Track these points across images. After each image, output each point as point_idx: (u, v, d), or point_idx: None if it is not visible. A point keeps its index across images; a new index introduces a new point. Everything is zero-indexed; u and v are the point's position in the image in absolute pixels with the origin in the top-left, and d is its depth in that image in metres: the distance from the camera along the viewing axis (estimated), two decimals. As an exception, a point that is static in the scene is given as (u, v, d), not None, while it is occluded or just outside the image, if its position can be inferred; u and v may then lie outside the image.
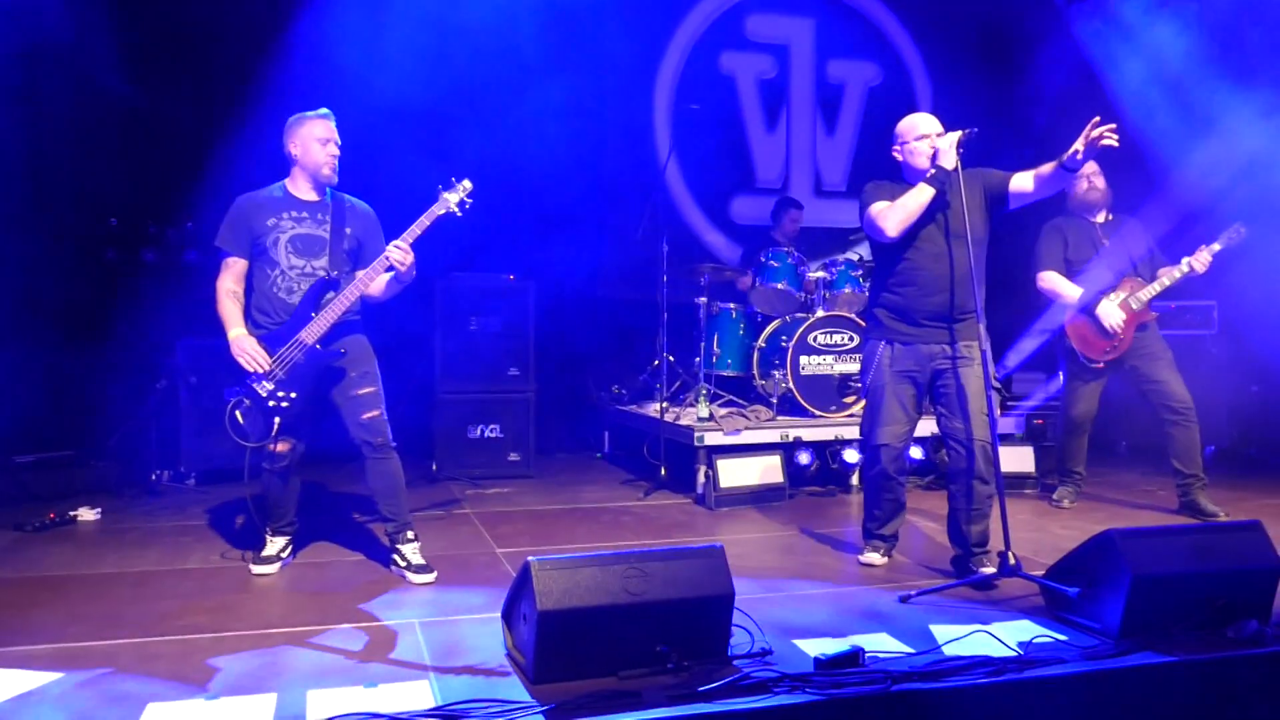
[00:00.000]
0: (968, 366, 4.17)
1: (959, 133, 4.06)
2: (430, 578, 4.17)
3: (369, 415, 4.25)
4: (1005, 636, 3.30)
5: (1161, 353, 5.48)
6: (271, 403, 4.11)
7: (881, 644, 3.27)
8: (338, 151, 4.26)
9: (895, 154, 4.34)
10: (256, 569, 4.30)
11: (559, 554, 3.05)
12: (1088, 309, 5.46)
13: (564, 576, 2.92)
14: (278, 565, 4.35)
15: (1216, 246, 5.32)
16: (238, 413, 4.15)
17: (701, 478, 5.80)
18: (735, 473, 5.76)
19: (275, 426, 4.14)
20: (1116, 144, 3.83)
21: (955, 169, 4.06)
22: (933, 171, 4.09)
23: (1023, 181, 4.16)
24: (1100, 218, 5.60)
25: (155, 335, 6.40)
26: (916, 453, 6.18)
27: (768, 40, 8.26)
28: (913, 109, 4.11)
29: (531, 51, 7.19)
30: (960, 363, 4.18)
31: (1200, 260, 5.31)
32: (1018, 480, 6.11)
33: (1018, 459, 6.20)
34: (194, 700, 2.85)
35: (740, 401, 6.54)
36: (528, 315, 6.79)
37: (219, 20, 6.59)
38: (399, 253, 4.09)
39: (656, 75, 7.96)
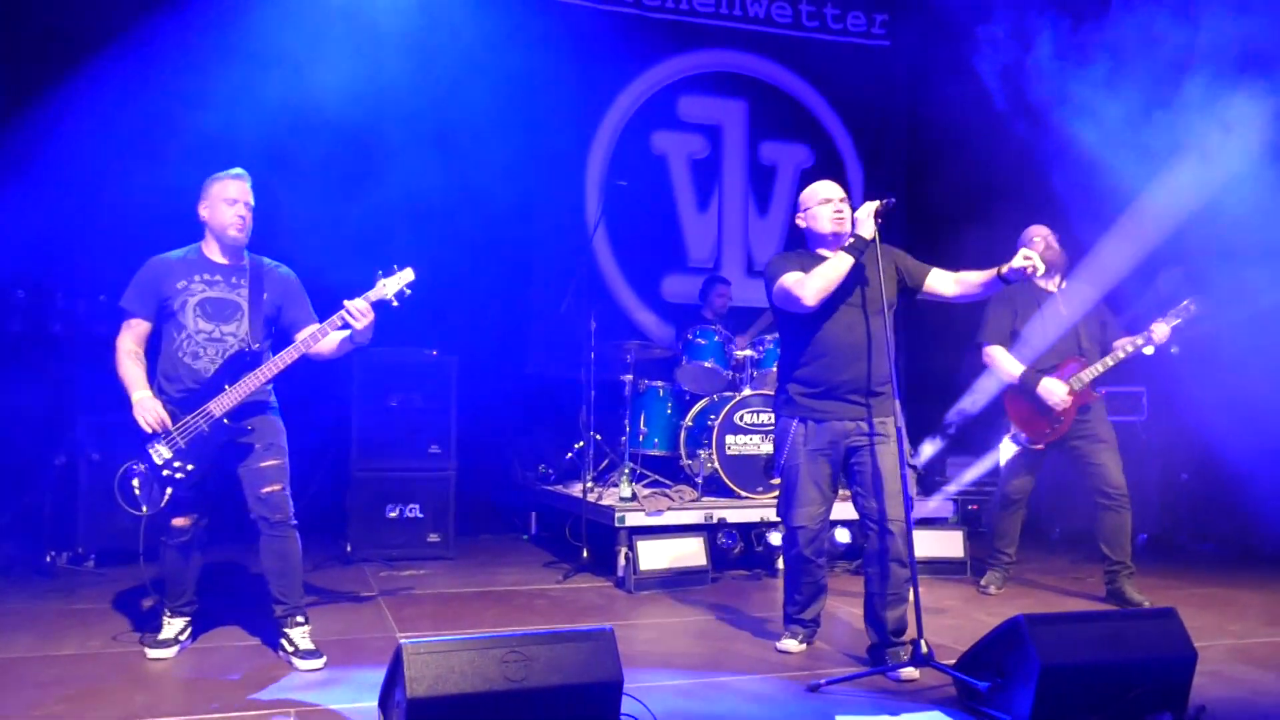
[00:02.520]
0: (883, 444, 4.06)
1: (877, 202, 4.00)
2: (317, 664, 3.93)
3: (269, 489, 4.05)
4: (912, 727, 3.14)
5: (1105, 435, 5.34)
6: (166, 471, 3.92)
7: (784, 736, 3.10)
8: (246, 212, 4.11)
9: (799, 221, 4.30)
10: (152, 653, 4.04)
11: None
12: (1027, 389, 5.34)
13: (437, 661, 2.73)
14: (175, 649, 4.09)
15: (1175, 321, 5.16)
16: (131, 479, 3.94)
17: (622, 560, 5.61)
18: (656, 554, 5.58)
19: (167, 496, 3.93)
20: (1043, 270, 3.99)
21: (873, 239, 4.00)
22: (851, 240, 4.02)
23: (941, 283, 4.18)
24: (1052, 284, 5.47)
25: (58, 410, 6.14)
26: (844, 536, 6.04)
27: (699, 121, 8.29)
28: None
29: (459, 125, 7.16)
30: (875, 440, 4.07)
31: (1160, 333, 5.15)
32: (946, 565, 5.99)
33: (947, 544, 6.07)
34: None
35: (666, 481, 6.39)
36: (450, 391, 6.61)
37: (135, 84, 6.44)
38: (358, 310, 3.92)
39: (588, 153, 7.94)
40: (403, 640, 2.76)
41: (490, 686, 2.74)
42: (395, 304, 4.05)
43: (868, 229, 4.00)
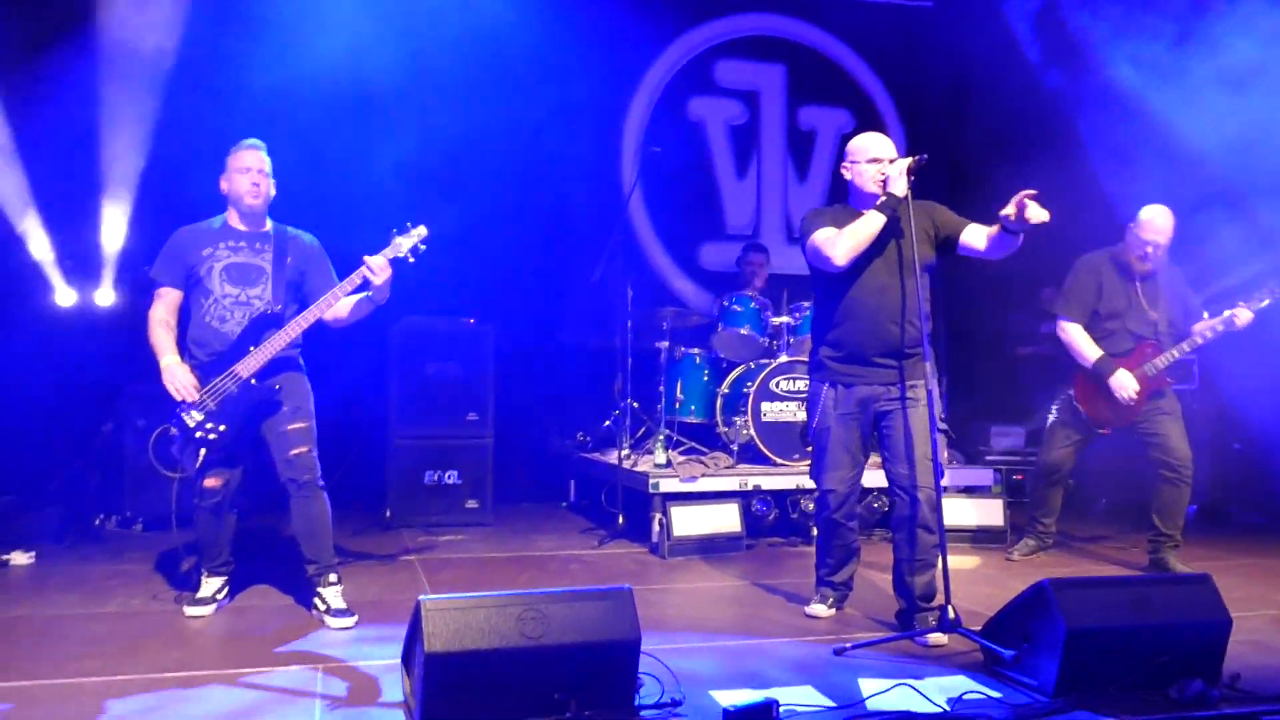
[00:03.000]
0: (913, 408, 4.00)
1: (910, 159, 3.92)
2: (349, 622, 3.99)
3: (297, 451, 4.12)
4: (935, 692, 3.11)
5: (1170, 408, 5.17)
6: (199, 433, 3.99)
7: (804, 698, 3.08)
8: (260, 179, 4.16)
9: (844, 171, 4.17)
10: (190, 611, 4.15)
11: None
12: (1101, 375, 5.15)
13: (455, 617, 2.76)
14: (212, 607, 4.19)
15: (1262, 304, 4.97)
16: (165, 443, 4.06)
17: (656, 526, 5.62)
18: (690, 521, 5.59)
19: (200, 457, 4.02)
20: (1046, 218, 3.66)
21: (905, 197, 3.93)
22: (883, 198, 3.95)
23: (976, 237, 4.01)
24: (1145, 267, 5.15)
25: (106, 379, 6.28)
26: (880, 504, 6.00)
27: (737, 86, 8.21)
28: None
29: (495, 91, 7.15)
30: (906, 404, 4.01)
31: (1242, 318, 4.97)
32: (985, 534, 5.93)
33: (987, 512, 6.01)
34: (56, 746, 2.67)
35: (701, 448, 6.37)
36: (487, 359, 6.65)
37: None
38: (377, 265, 3.97)
39: (624, 120, 7.90)
40: (423, 598, 2.79)
41: (507, 643, 2.76)
42: (411, 260, 4.09)
43: (900, 187, 3.92)
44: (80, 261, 6.56)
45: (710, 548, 5.57)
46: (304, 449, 4.14)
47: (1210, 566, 5.31)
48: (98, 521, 6.01)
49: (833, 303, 4.11)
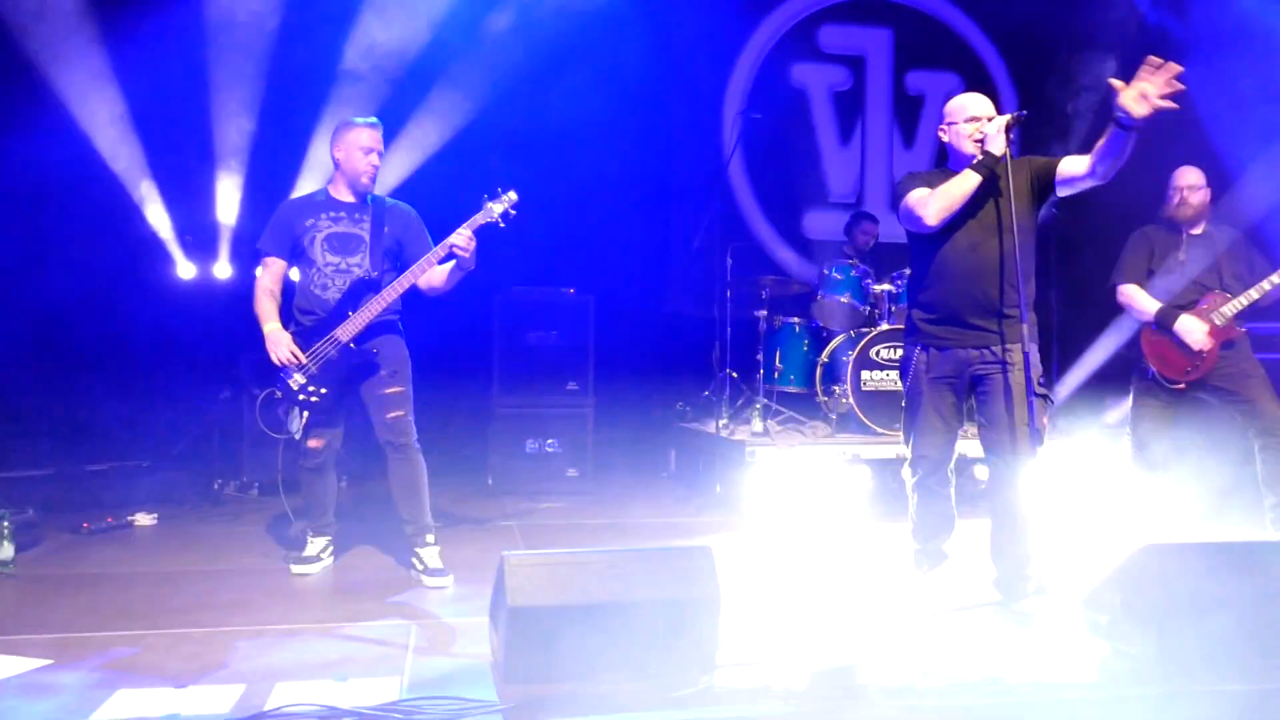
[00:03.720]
0: (1010, 372, 3.86)
1: (1008, 116, 3.80)
2: (445, 581, 4.10)
3: (394, 415, 4.23)
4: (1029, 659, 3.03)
5: (1252, 370, 4.96)
6: (301, 396, 4.16)
7: (889, 665, 3.04)
8: (379, 162, 4.31)
9: (941, 134, 4.04)
10: (296, 569, 4.31)
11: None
12: (1166, 325, 5.00)
13: (539, 573, 2.80)
14: (318, 566, 4.35)
15: None
16: (268, 405, 4.22)
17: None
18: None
19: (303, 419, 4.18)
20: (1169, 102, 3.40)
21: (1003, 156, 3.80)
22: (980, 157, 3.84)
23: (1073, 165, 3.79)
24: (1196, 230, 5.07)
25: (222, 349, 6.55)
26: (982, 472, 5.85)
27: (841, 50, 8.06)
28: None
29: (597, 58, 7.16)
30: (1002, 368, 3.88)
31: None
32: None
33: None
34: (163, 689, 2.81)
35: (800, 418, 6.32)
36: (587, 329, 6.71)
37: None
38: (463, 239, 4.07)
39: (726, 88, 7.84)
40: (506, 552, 2.84)
41: (589, 599, 2.79)
42: (502, 225, 4.16)
43: (997, 145, 3.78)
44: (198, 235, 6.85)
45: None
46: (400, 413, 4.25)
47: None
48: (216, 485, 6.28)
49: (926, 264, 4.00)
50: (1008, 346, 3.87)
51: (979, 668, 2.97)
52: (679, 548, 2.94)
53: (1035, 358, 3.81)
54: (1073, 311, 7.70)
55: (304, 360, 4.15)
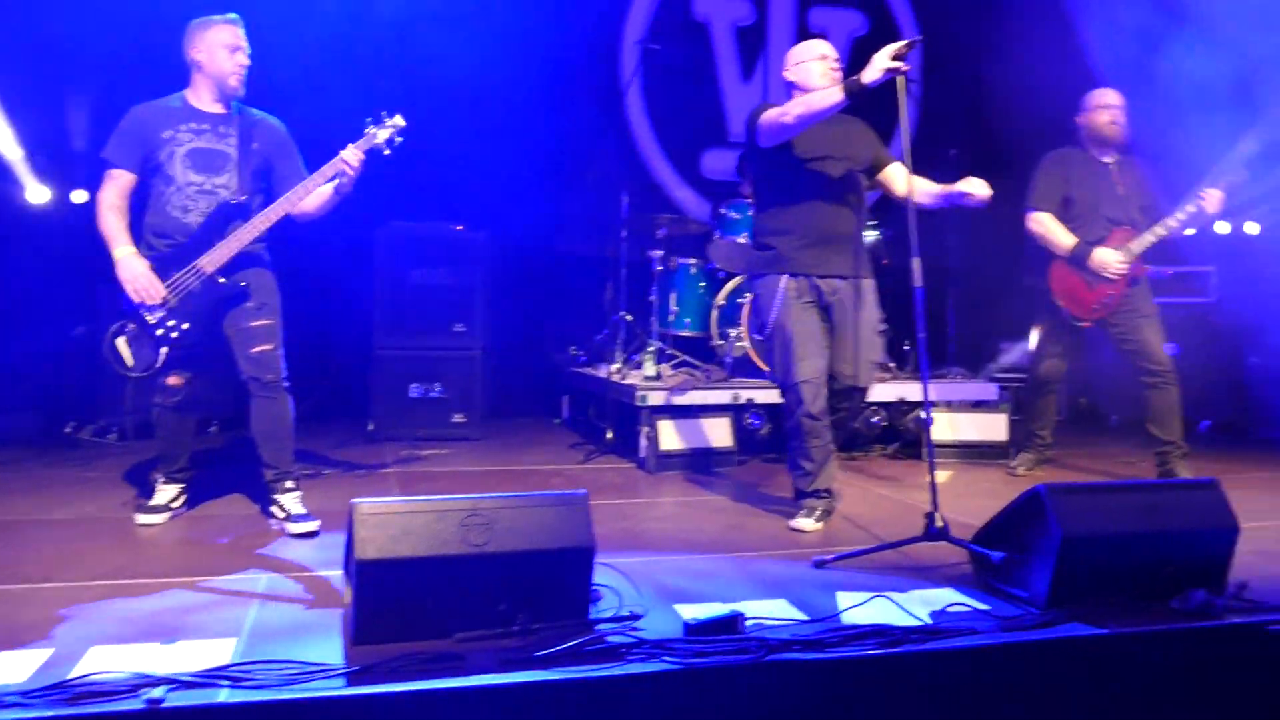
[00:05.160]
0: (862, 308, 4.04)
1: (896, 44, 3.59)
2: (311, 526, 3.80)
3: (261, 349, 3.89)
4: (916, 605, 2.88)
5: (1147, 310, 4.95)
6: (160, 331, 3.76)
7: (777, 611, 2.86)
8: (247, 61, 3.90)
9: (787, 75, 4.11)
10: (141, 518, 3.94)
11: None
12: (1079, 260, 4.92)
13: (392, 522, 2.53)
14: (166, 515, 3.99)
15: (1232, 178, 4.66)
16: (120, 340, 3.81)
17: (644, 440, 5.39)
18: (678, 435, 5.37)
19: (162, 357, 3.79)
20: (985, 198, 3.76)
21: (871, 86, 3.58)
22: (851, 81, 3.63)
23: (895, 179, 4.11)
24: (1111, 158, 5.03)
25: (79, 281, 6.04)
26: (880, 417, 5.76)
27: (742, -18, 7.79)
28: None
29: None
30: (853, 300, 4.05)
31: (1213, 198, 4.66)
32: (989, 449, 5.70)
33: (989, 426, 5.78)
34: (-42, 652, 2.48)
35: (695, 362, 6.12)
36: (475, 269, 6.40)
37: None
38: (355, 158, 3.78)
39: (625, 22, 7.49)
40: (356, 501, 2.57)
41: (448, 550, 2.54)
42: (387, 152, 3.88)
43: (870, 74, 3.57)
44: (53, 158, 6.29)
45: (700, 463, 5.36)
46: (268, 346, 3.90)
47: (1223, 478, 5.10)
48: (68, 429, 5.84)
49: (782, 192, 4.03)
50: (861, 279, 4.06)
51: (865, 613, 2.81)
52: (547, 494, 2.70)
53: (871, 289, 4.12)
54: (975, 260, 7.65)
55: (164, 292, 3.75)
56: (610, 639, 2.52)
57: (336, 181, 3.83)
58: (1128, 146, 5.08)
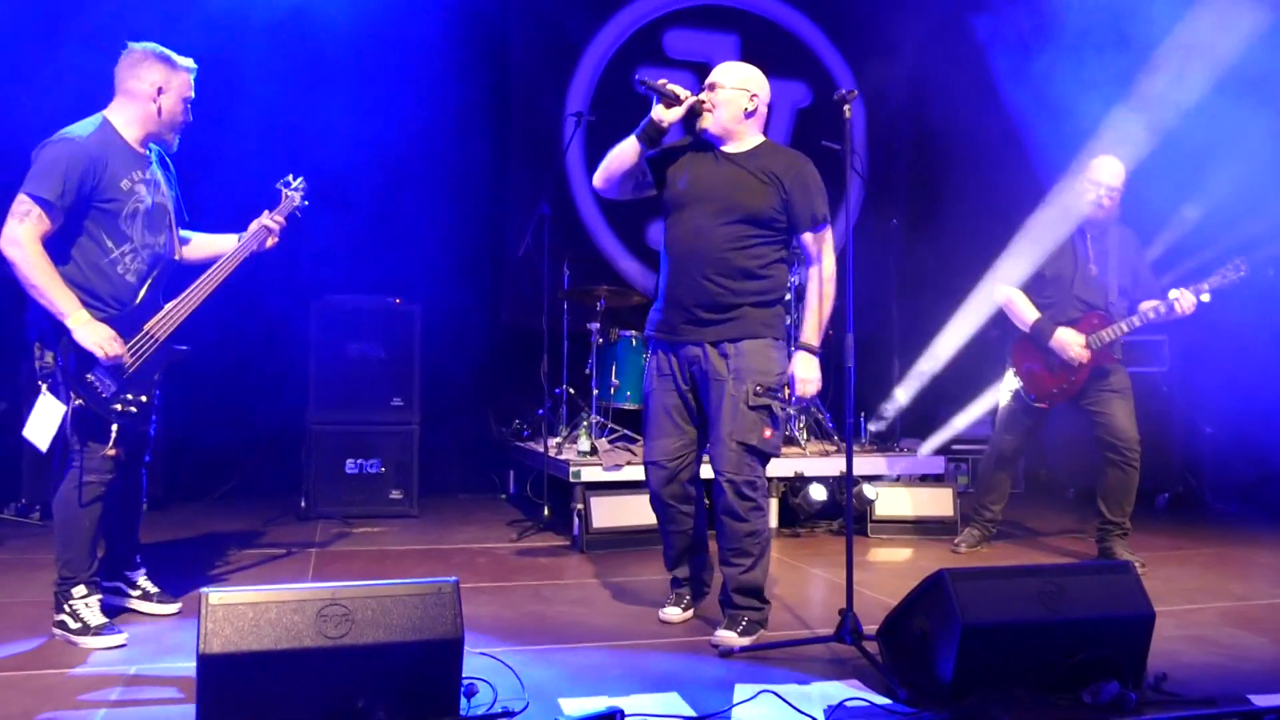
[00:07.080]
0: (724, 380, 3.42)
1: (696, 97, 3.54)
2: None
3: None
4: (813, 700, 2.72)
5: (1119, 385, 4.75)
6: (118, 406, 3.33)
7: (664, 707, 2.70)
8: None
9: None
10: (97, 643, 3.31)
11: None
12: (1038, 337, 4.74)
13: (241, 613, 2.38)
14: (124, 635, 3.37)
15: (1208, 286, 4.53)
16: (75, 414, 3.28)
17: (576, 517, 5.24)
18: (611, 512, 5.20)
19: (113, 436, 3.34)
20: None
21: (670, 126, 3.54)
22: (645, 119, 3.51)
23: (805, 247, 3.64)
24: (1094, 233, 4.79)
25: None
26: (820, 493, 5.61)
27: (687, 56, 7.73)
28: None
29: (428, 57, 6.77)
30: (715, 373, 3.45)
31: (1185, 301, 4.52)
32: (936, 525, 5.56)
33: (936, 502, 5.64)
34: None
35: (634, 436, 5.98)
36: (413, 342, 6.26)
37: None
38: (276, 224, 3.70)
39: (568, 92, 7.47)
40: (206, 591, 2.41)
41: (301, 643, 2.38)
42: (306, 203, 3.84)
43: (661, 111, 3.48)
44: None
45: (634, 540, 5.18)
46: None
47: (1172, 556, 5.00)
48: (-12, 509, 5.64)
49: (662, 250, 3.65)
50: (727, 351, 3.46)
51: (754, 710, 2.65)
52: (414, 582, 2.54)
53: (746, 364, 3.43)
54: (919, 321, 7.57)
55: (130, 360, 3.36)
56: (475, 738, 2.36)
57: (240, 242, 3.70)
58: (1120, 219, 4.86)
